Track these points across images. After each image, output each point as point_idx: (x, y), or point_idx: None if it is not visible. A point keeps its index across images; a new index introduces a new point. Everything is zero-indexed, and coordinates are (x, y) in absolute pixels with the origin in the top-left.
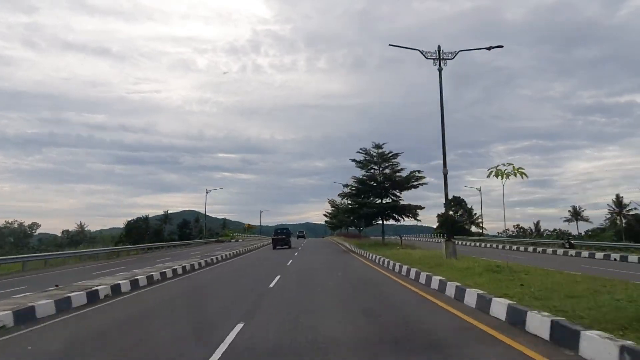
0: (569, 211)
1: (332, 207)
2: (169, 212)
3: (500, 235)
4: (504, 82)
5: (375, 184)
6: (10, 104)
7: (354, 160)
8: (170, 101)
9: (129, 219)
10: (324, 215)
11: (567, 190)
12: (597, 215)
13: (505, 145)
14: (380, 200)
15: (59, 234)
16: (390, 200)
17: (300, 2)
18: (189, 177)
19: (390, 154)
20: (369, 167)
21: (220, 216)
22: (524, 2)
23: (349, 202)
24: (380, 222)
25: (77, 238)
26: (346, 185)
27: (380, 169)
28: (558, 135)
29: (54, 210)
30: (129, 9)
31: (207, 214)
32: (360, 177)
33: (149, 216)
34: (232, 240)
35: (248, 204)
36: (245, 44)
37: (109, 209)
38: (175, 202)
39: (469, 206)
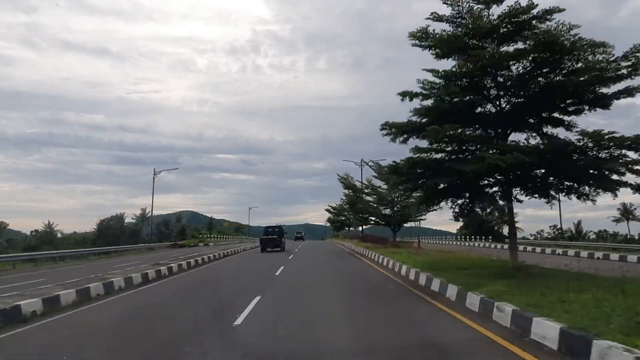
0: (618, 209)
1: (346, 188)
2: (168, 212)
3: (535, 237)
4: None
5: (499, 87)
6: (10, 103)
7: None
8: (169, 101)
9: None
10: (327, 210)
11: None
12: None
13: None
14: (522, 136)
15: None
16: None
17: (300, 3)
18: (187, 178)
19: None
20: (474, 43)
21: (218, 216)
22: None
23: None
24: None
25: (45, 239)
26: (413, 96)
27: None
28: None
29: (54, 211)
30: (128, 9)
31: (205, 214)
32: (455, 70)
33: (150, 217)
34: (200, 245)
35: (247, 204)
36: (245, 45)
37: (109, 209)
38: (174, 203)
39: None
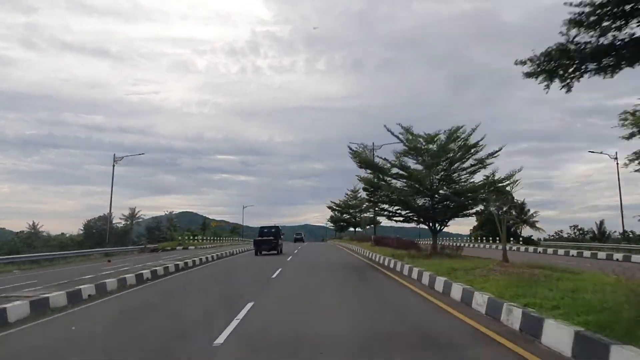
0: None
1: (363, 167)
2: (167, 213)
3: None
4: (503, 83)
5: None
6: (8, 104)
7: None
8: (169, 102)
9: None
10: (330, 207)
11: (565, 193)
12: (596, 217)
13: (504, 147)
14: None
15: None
16: None
17: (299, 3)
18: (187, 179)
19: None
20: None
21: (218, 217)
22: (522, 3)
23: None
24: None
25: (28, 241)
26: None
27: None
28: (557, 138)
29: (53, 212)
30: (128, 9)
31: (205, 215)
32: None
33: (146, 217)
34: (179, 248)
35: (247, 205)
36: (244, 45)
37: (107, 210)
38: (174, 204)
39: (517, 200)
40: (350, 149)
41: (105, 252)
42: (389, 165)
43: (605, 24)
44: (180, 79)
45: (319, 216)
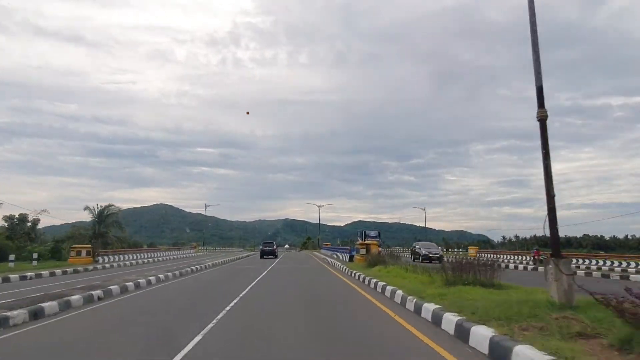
0: None
1: None
2: (142, 206)
3: None
4: (485, 81)
5: None
6: None
7: None
8: (147, 93)
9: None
10: None
11: (542, 190)
12: (570, 215)
13: (484, 144)
14: None
15: None
16: None
17: None
18: (166, 171)
19: None
20: None
21: (194, 211)
22: (505, 2)
23: None
24: None
25: None
26: None
27: None
28: (535, 136)
29: (26, 202)
30: None
31: (184, 209)
32: None
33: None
34: None
35: (226, 199)
36: (225, 36)
37: (84, 202)
38: (151, 197)
39: None
40: None
41: None
42: None
43: None
44: (159, 69)
45: (301, 210)
